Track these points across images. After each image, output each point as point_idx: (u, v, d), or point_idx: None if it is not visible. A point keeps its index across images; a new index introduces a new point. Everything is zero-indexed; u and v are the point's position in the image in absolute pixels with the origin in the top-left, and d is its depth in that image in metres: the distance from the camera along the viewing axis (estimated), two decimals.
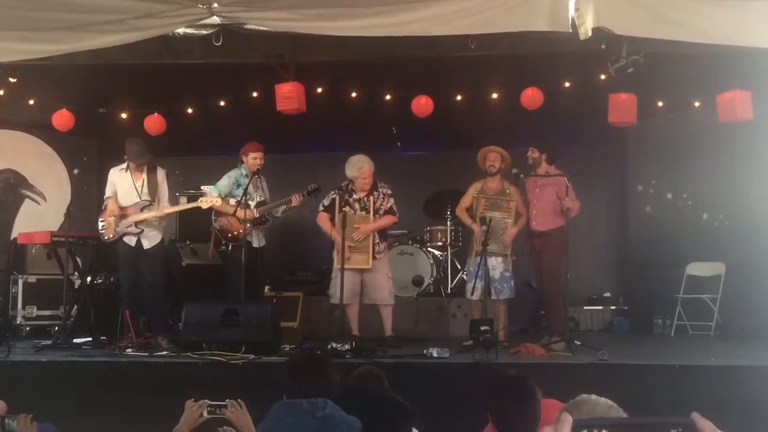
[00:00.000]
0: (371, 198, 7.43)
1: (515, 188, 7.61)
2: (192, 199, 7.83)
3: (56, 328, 7.97)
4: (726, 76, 7.44)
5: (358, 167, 7.36)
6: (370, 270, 7.36)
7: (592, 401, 2.30)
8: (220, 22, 5.80)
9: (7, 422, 3.36)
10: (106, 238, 7.34)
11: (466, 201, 7.76)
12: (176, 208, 7.83)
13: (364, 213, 7.41)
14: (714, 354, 6.69)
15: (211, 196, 7.40)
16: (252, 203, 7.56)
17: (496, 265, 7.43)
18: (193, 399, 3.65)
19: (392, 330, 7.46)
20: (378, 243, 7.44)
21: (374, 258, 7.35)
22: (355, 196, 7.44)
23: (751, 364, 5.99)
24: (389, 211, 7.49)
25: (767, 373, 5.51)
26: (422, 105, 8.48)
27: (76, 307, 7.76)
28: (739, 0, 4.95)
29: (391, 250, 9.02)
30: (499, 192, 7.61)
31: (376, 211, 7.42)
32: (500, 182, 7.65)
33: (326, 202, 7.50)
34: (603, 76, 7.34)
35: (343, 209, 7.31)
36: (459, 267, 9.36)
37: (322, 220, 7.48)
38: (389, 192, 7.54)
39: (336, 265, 7.30)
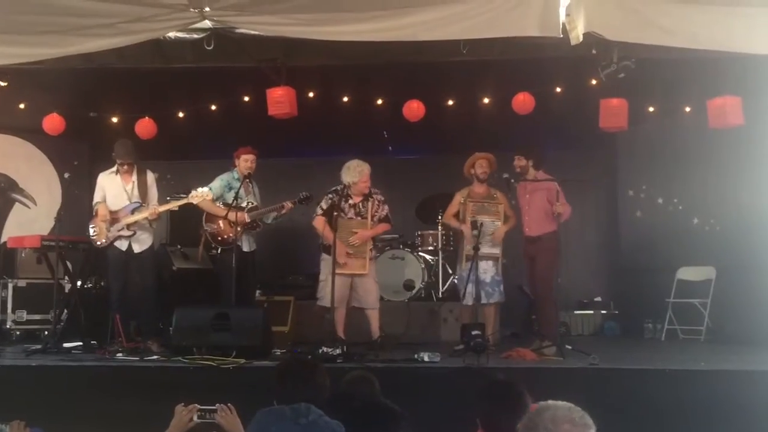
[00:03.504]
0: (368, 203, 7.43)
1: (501, 192, 7.68)
2: None
3: (46, 332, 7.93)
4: (716, 82, 7.47)
5: (359, 171, 7.34)
6: (362, 274, 7.37)
7: (552, 407, 2.31)
8: (211, 26, 5.79)
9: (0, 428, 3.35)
10: (98, 243, 7.30)
11: (452, 208, 7.81)
12: (168, 206, 7.74)
13: (360, 218, 7.41)
14: (704, 358, 6.70)
15: (202, 192, 7.36)
16: (243, 206, 7.53)
17: (487, 269, 7.46)
18: (183, 403, 3.64)
19: (380, 329, 7.44)
20: (371, 249, 7.50)
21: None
22: (351, 201, 7.42)
23: (741, 368, 6.01)
24: (385, 219, 7.54)
25: (757, 377, 5.53)
26: (414, 109, 8.48)
27: (66, 311, 7.71)
28: (728, 6, 4.98)
29: (382, 255, 9.05)
30: (487, 196, 7.67)
31: (372, 218, 7.43)
32: (487, 187, 7.74)
33: (324, 205, 7.45)
34: (594, 82, 7.38)
35: (338, 214, 7.24)
36: (450, 271, 9.35)
37: (320, 223, 7.43)
38: (383, 199, 7.56)
39: (328, 268, 7.27)
